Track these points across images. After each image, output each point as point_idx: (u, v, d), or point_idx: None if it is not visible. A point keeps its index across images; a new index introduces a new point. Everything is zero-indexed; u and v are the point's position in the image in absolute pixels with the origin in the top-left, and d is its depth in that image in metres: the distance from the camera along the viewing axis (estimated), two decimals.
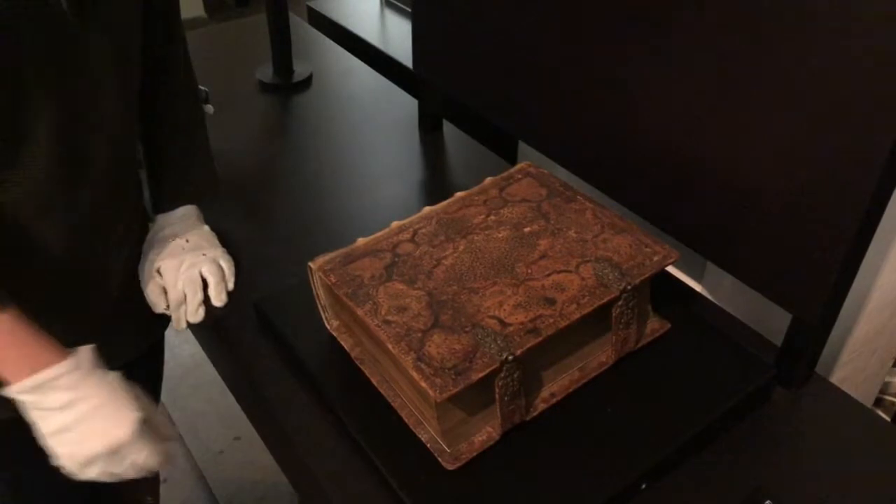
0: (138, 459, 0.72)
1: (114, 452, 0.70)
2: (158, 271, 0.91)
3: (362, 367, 0.84)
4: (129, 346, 0.94)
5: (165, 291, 0.91)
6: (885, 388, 1.31)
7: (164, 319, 0.91)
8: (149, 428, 0.71)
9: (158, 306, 0.89)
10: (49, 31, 0.66)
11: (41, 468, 0.90)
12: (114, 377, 0.72)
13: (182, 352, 1.95)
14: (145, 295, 0.90)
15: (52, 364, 0.68)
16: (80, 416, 0.69)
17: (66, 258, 0.78)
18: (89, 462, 0.69)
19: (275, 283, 0.97)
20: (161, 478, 1.33)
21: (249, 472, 1.75)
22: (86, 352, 0.70)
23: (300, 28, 1.72)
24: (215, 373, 1.09)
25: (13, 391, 0.67)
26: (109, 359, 0.90)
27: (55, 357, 0.68)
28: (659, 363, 0.85)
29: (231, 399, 1.04)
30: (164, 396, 1.19)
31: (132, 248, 0.89)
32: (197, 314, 0.92)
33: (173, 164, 0.96)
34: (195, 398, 1.91)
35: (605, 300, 0.78)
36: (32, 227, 0.74)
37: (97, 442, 0.69)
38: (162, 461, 0.73)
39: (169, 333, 1.08)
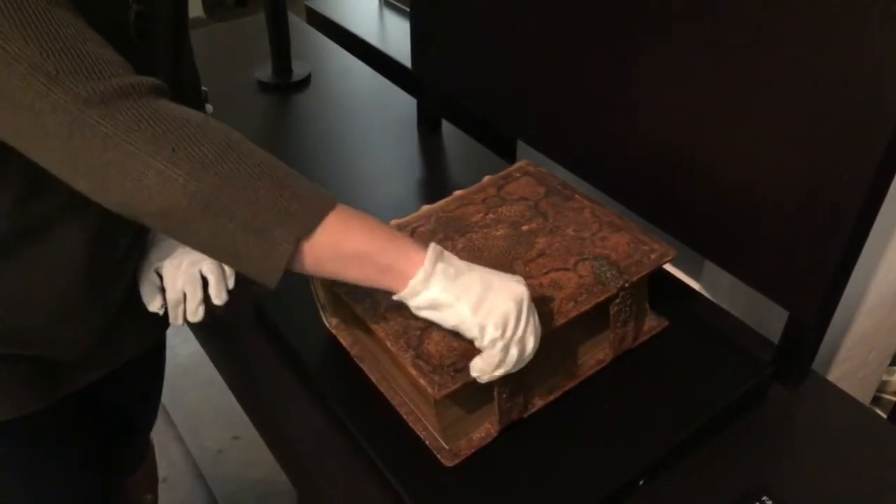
0: (534, 321, 0.68)
1: (520, 310, 0.66)
2: (158, 271, 0.91)
3: (361, 365, 0.84)
4: (133, 343, 0.94)
5: (161, 290, 0.91)
6: (882, 387, 1.31)
7: (166, 318, 0.92)
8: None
9: (152, 305, 0.89)
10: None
11: (52, 468, 0.91)
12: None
13: (181, 352, 1.95)
14: (141, 293, 0.90)
15: (423, 249, 0.65)
16: (485, 272, 0.66)
17: (85, 262, 0.78)
18: (518, 316, 0.66)
19: None
20: (160, 477, 1.33)
21: (248, 472, 1.75)
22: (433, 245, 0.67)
23: (299, 28, 1.72)
24: (214, 373, 1.10)
25: (426, 265, 0.64)
26: (113, 356, 0.91)
27: (417, 245, 0.66)
28: (657, 361, 0.86)
29: (230, 399, 1.05)
30: (163, 396, 1.19)
31: (141, 248, 0.90)
32: (197, 313, 0.92)
33: None
34: (194, 398, 1.91)
35: (603, 298, 0.78)
36: (56, 230, 0.74)
37: (517, 289, 0.66)
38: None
39: (168, 334, 1.09)
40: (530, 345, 0.68)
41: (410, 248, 0.65)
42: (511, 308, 0.65)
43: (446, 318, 0.67)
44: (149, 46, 0.73)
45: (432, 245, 0.66)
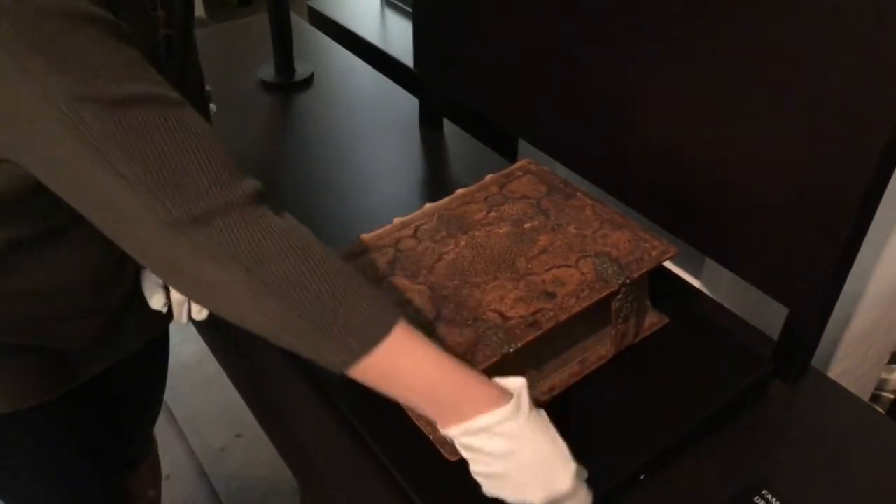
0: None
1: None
2: None
3: None
4: (139, 334, 0.95)
5: (164, 288, 0.92)
6: (881, 385, 1.32)
7: (169, 313, 0.92)
8: (579, 474, 0.66)
9: (155, 303, 0.90)
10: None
11: (60, 461, 0.92)
12: (545, 417, 0.66)
13: (183, 350, 1.95)
14: (144, 292, 0.91)
15: (495, 406, 0.62)
16: (520, 466, 0.64)
17: (97, 256, 0.80)
18: None
19: None
20: (164, 474, 1.34)
21: (251, 470, 1.76)
22: (523, 389, 0.65)
23: (301, 28, 1.73)
24: (216, 371, 1.10)
25: (455, 431, 0.63)
26: (120, 347, 0.92)
27: (496, 398, 0.63)
28: (657, 357, 0.87)
29: (232, 397, 1.05)
30: (165, 394, 1.20)
31: None
32: (201, 312, 0.93)
33: None
34: (196, 396, 1.92)
35: (605, 294, 0.79)
36: (73, 229, 0.75)
37: (536, 494, 0.64)
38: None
39: (171, 332, 1.10)
40: None
41: (451, 406, 0.64)
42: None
43: (475, 475, 0.67)
44: (178, 64, 0.75)
45: (476, 421, 0.63)
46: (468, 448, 0.64)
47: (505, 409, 0.62)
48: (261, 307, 0.59)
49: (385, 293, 0.65)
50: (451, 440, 0.65)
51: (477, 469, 0.66)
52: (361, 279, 0.63)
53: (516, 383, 0.65)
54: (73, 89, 0.53)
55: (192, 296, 0.63)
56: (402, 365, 0.63)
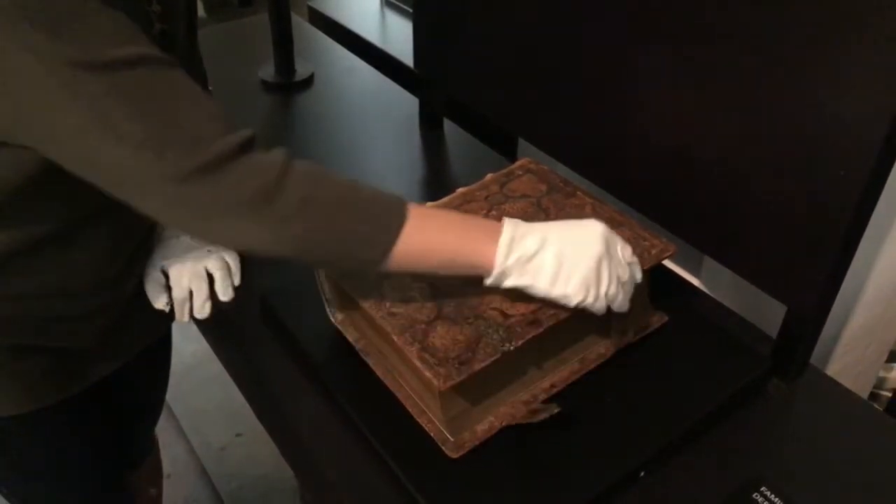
0: (626, 252, 0.74)
1: (606, 246, 0.71)
2: (163, 270, 0.92)
3: (366, 359, 0.86)
4: (143, 335, 0.95)
5: (168, 288, 0.92)
6: (879, 383, 1.32)
7: (173, 312, 0.93)
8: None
9: (158, 302, 0.90)
10: None
11: (66, 461, 0.92)
12: None
13: (184, 349, 1.95)
14: (147, 292, 0.91)
15: (495, 239, 0.70)
16: (561, 244, 0.70)
17: (106, 258, 0.80)
18: (598, 275, 0.70)
19: (280, 278, 0.99)
20: (164, 473, 1.34)
21: (251, 468, 1.76)
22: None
23: (301, 28, 1.73)
24: (217, 370, 1.11)
25: (498, 269, 0.69)
26: (126, 348, 0.92)
27: (497, 226, 0.71)
28: (657, 355, 0.87)
29: (233, 396, 1.06)
30: (167, 393, 1.20)
31: (149, 247, 0.91)
32: (203, 310, 0.93)
33: None
34: (197, 395, 1.92)
35: None
36: (86, 231, 0.76)
37: (592, 249, 0.70)
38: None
39: (172, 331, 1.10)
40: (612, 290, 0.72)
41: (483, 244, 0.70)
42: (589, 271, 0.70)
43: (535, 295, 0.72)
44: (182, 63, 0.75)
45: (504, 234, 0.70)
46: (519, 261, 0.70)
47: (508, 222, 0.71)
48: (285, 236, 0.63)
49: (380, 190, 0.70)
50: (501, 283, 0.71)
51: (542, 282, 0.70)
52: (358, 183, 0.68)
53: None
54: (70, 55, 0.54)
55: (220, 243, 0.66)
56: (430, 239, 0.69)
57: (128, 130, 0.56)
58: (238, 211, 0.61)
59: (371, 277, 0.71)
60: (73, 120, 0.56)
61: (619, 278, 0.72)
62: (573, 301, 0.71)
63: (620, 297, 0.73)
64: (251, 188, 0.61)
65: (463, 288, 0.80)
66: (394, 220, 0.67)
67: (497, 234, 0.70)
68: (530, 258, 0.70)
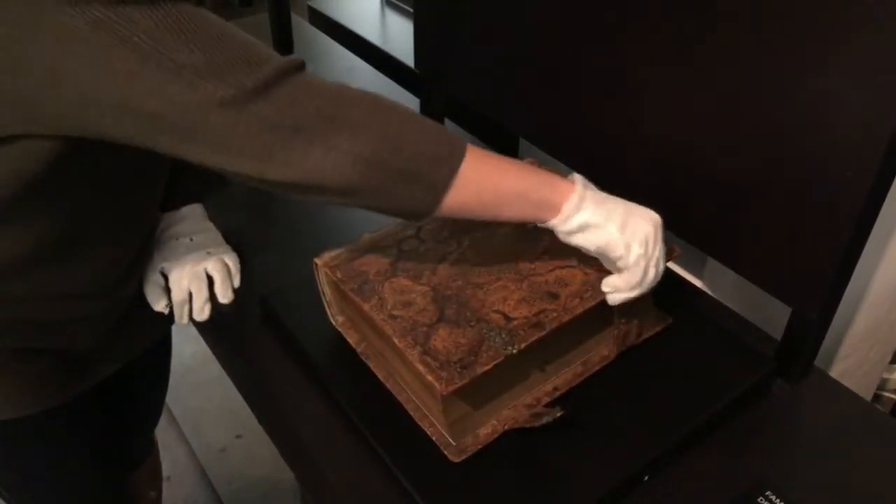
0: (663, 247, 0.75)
1: (657, 233, 0.74)
2: (162, 272, 0.92)
3: (368, 362, 0.85)
4: (143, 336, 0.95)
5: (167, 290, 0.92)
6: (882, 385, 1.32)
7: (171, 314, 0.92)
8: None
9: (157, 304, 0.90)
10: None
11: (68, 463, 0.92)
12: None
13: (184, 351, 1.95)
14: (145, 293, 0.91)
15: (570, 185, 0.71)
16: (621, 201, 0.73)
17: (108, 264, 0.80)
18: (655, 241, 0.73)
19: (280, 280, 0.98)
20: (164, 475, 1.34)
21: (251, 470, 1.76)
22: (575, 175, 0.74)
23: (301, 27, 1.73)
24: (217, 371, 1.10)
25: (575, 195, 0.70)
26: (126, 349, 0.92)
27: (565, 180, 0.72)
28: (660, 357, 0.87)
29: (233, 397, 1.05)
30: (166, 395, 1.20)
31: (149, 250, 0.91)
32: (203, 312, 0.93)
33: (181, 162, 0.97)
34: (197, 396, 1.92)
35: None
36: (93, 239, 0.76)
37: (650, 220, 0.73)
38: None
39: (172, 333, 1.09)
40: (661, 267, 0.75)
41: (556, 180, 0.71)
42: (651, 230, 0.73)
43: (594, 240, 0.72)
44: None
45: (577, 175, 0.73)
46: (595, 198, 0.72)
47: (579, 178, 0.72)
48: (353, 154, 0.61)
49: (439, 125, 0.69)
50: (571, 219, 0.71)
51: (614, 221, 0.71)
52: (417, 114, 0.67)
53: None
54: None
55: (278, 173, 0.62)
56: (503, 182, 0.69)
57: (187, 58, 0.55)
58: (303, 128, 0.59)
59: (426, 216, 0.67)
60: (129, 65, 0.54)
61: (664, 255, 0.75)
62: (633, 253, 0.72)
63: (660, 271, 0.75)
64: (314, 105, 0.60)
65: (465, 290, 0.79)
66: (457, 142, 0.66)
67: (564, 178, 0.72)
68: (602, 202, 0.72)
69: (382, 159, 0.62)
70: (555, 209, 0.71)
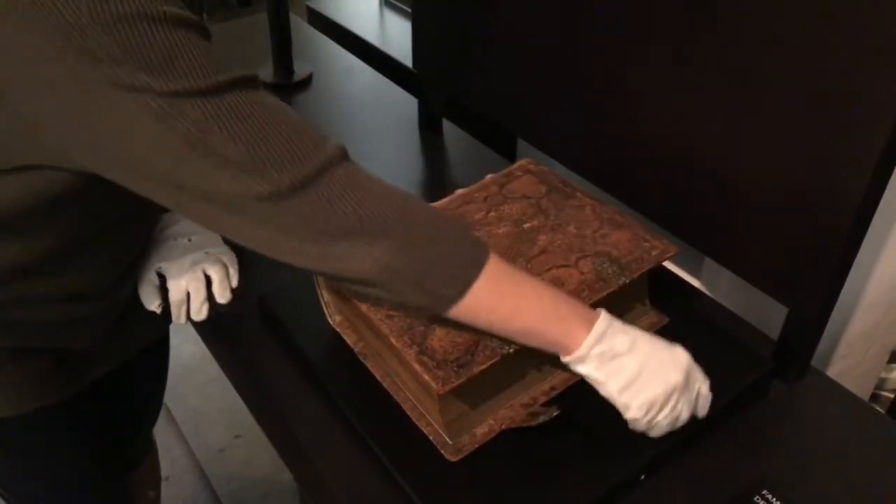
0: (703, 388, 0.72)
1: (686, 378, 0.70)
2: (159, 272, 0.92)
3: (365, 362, 0.85)
4: (139, 337, 0.95)
5: (162, 290, 0.92)
6: (880, 384, 1.32)
7: (169, 314, 0.92)
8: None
9: (150, 304, 0.90)
10: None
11: (67, 461, 0.92)
12: None
13: (182, 351, 1.95)
14: (140, 293, 0.91)
15: (594, 318, 0.69)
16: (647, 357, 0.69)
17: (108, 266, 0.80)
18: (664, 403, 0.70)
19: (278, 280, 0.98)
20: (163, 475, 1.34)
21: (250, 470, 1.76)
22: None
23: (300, 28, 1.73)
24: (216, 372, 1.10)
25: (585, 346, 0.68)
26: (124, 348, 0.92)
27: (590, 312, 0.70)
28: None
29: (231, 398, 1.05)
30: (165, 395, 1.20)
31: (150, 248, 0.91)
32: (200, 312, 0.93)
33: None
34: (196, 397, 1.92)
35: (605, 294, 0.79)
36: (90, 245, 0.76)
37: (673, 376, 0.70)
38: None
39: (170, 333, 1.09)
40: (684, 416, 0.72)
41: (572, 324, 0.69)
42: (659, 394, 0.69)
43: (599, 389, 0.71)
44: None
45: (600, 322, 0.68)
46: (602, 356, 0.69)
47: (605, 314, 0.69)
48: (377, 257, 0.62)
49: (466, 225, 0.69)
50: (574, 366, 0.70)
51: (615, 383, 0.69)
52: (442, 219, 0.67)
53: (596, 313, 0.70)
54: (166, 87, 0.54)
55: (300, 261, 0.64)
56: (513, 292, 0.68)
57: (230, 151, 0.57)
58: (333, 227, 0.61)
59: (439, 316, 0.69)
60: (171, 146, 0.56)
61: (680, 413, 0.71)
62: (629, 414, 0.70)
63: (680, 421, 0.72)
64: (349, 206, 0.61)
65: None
66: (476, 255, 0.66)
67: (588, 318, 0.69)
68: (615, 356, 0.69)
69: (399, 268, 0.63)
70: (563, 351, 0.70)
